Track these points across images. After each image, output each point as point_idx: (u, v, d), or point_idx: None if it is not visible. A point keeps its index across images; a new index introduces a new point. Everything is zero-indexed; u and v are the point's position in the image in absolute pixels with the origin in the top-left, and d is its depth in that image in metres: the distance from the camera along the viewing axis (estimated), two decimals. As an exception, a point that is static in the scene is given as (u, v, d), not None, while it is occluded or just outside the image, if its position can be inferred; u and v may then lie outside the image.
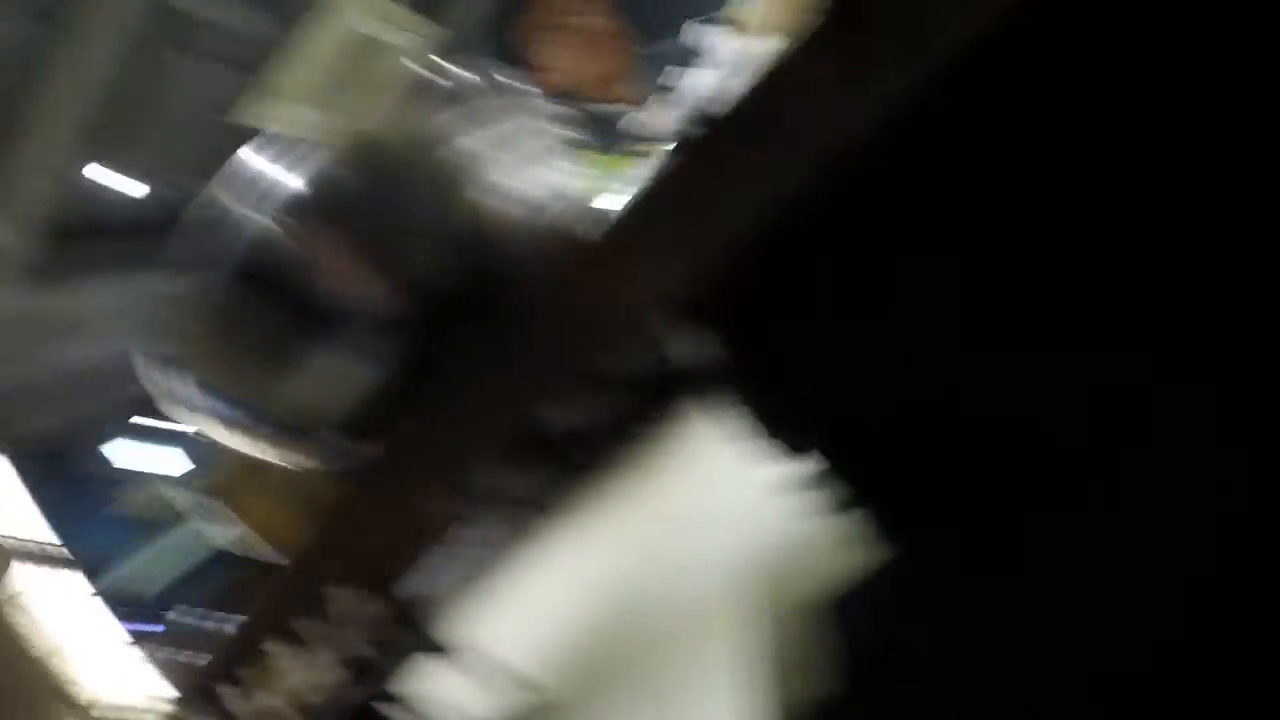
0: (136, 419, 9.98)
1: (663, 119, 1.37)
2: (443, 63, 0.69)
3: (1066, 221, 0.71)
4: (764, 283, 0.75)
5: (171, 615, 8.98)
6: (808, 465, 0.90)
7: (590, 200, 0.72)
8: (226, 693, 0.83)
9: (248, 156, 0.66)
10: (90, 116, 6.40)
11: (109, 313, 7.67)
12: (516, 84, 0.75)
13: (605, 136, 1.42)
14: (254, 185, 0.63)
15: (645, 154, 1.34)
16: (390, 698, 2.14)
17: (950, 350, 0.78)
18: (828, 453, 0.88)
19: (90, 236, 7.53)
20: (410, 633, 2.28)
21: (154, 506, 10.67)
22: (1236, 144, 0.67)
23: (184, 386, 0.69)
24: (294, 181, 0.63)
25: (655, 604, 1.99)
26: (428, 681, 2.26)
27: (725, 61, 1.33)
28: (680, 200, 0.59)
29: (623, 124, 1.48)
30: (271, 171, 0.63)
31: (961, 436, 0.80)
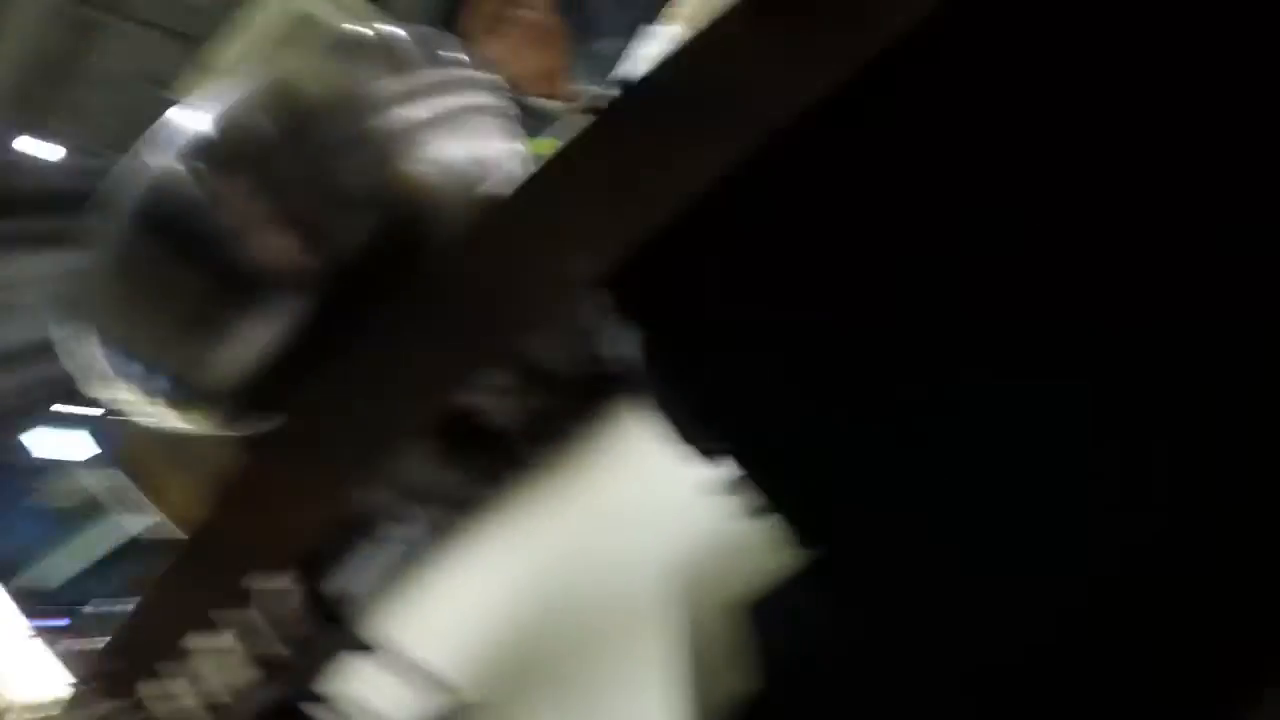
0: (57, 406, 9.65)
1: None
2: (384, 27, 0.67)
3: (994, 221, 0.73)
4: (680, 272, 0.75)
5: (88, 608, 8.69)
6: (726, 467, 0.90)
7: (512, 174, 0.71)
8: (141, 687, 0.80)
9: (176, 117, 0.63)
10: (14, 85, 6.17)
11: (30, 290, 7.39)
12: (460, 58, 0.73)
13: (542, 131, 1.42)
14: (173, 140, 0.61)
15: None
16: (311, 696, 2.10)
17: (872, 350, 0.78)
18: (744, 455, 0.88)
19: (11, 211, 7.24)
20: (332, 629, 2.24)
21: (74, 496, 10.32)
22: (1164, 146, 0.69)
23: (97, 354, 0.66)
24: (204, 124, 0.60)
25: (582, 602, 1.98)
26: (350, 680, 2.22)
27: (660, 46, 1.34)
28: (598, 178, 0.58)
29: (559, 118, 1.48)
30: (193, 122, 0.60)
31: (878, 442, 0.80)
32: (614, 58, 1.52)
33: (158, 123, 0.59)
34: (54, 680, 5.35)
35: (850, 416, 0.80)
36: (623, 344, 0.89)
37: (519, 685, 1.94)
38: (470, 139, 0.71)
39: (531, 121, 1.37)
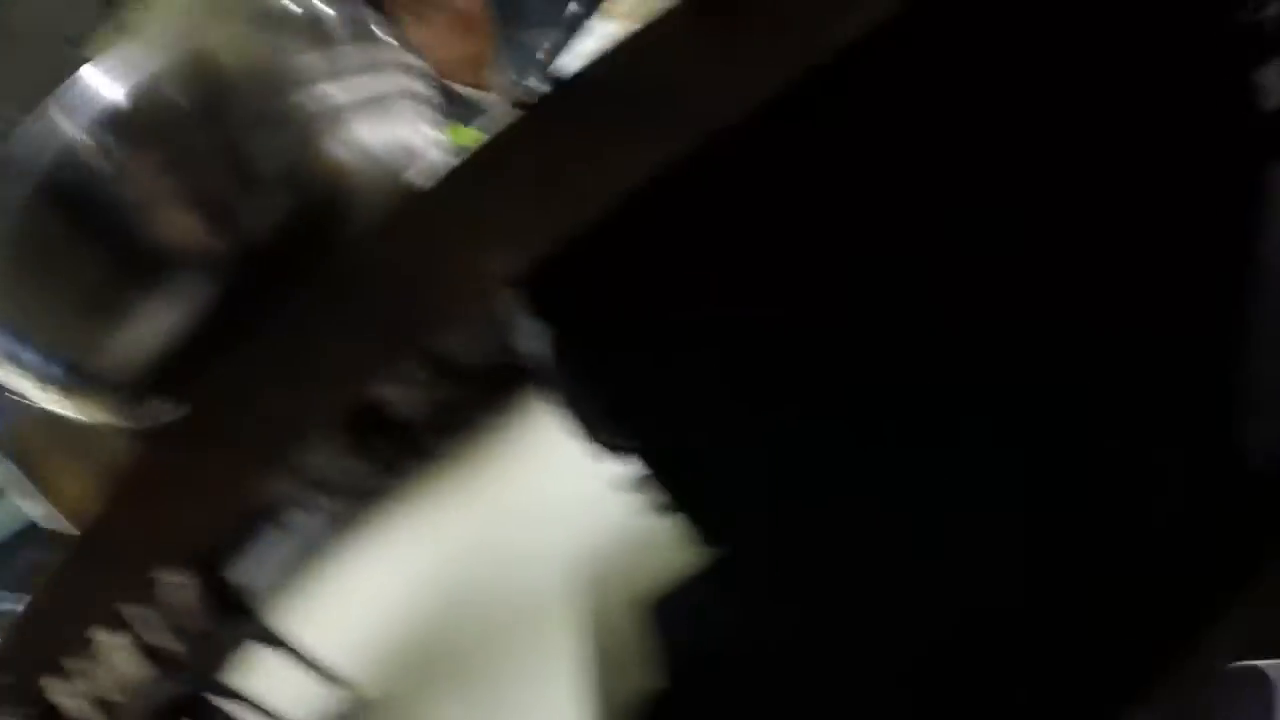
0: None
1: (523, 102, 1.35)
2: (311, 1, 0.65)
3: (923, 233, 0.74)
4: (592, 270, 0.75)
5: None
6: (632, 464, 0.90)
7: (434, 163, 0.69)
8: (43, 683, 0.75)
9: (87, 78, 0.59)
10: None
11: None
12: (387, 39, 0.71)
13: (465, 118, 1.40)
14: (82, 103, 0.57)
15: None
16: (212, 689, 2.03)
17: (782, 354, 0.79)
18: (650, 453, 0.88)
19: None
20: (231, 621, 2.17)
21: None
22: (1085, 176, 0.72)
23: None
24: (115, 93, 0.57)
25: (486, 596, 1.97)
26: (251, 674, 2.15)
27: (597, 44, 1.33)
28: (525, 172, 0.57)
29: (483, 106, 1.45)
30: (103, 88, 0.57)
31: (783, 443, 0.81)
32: (541, 49, 1.51)
33: (66, 83, 0.55)
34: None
35: (757, 418, 0.81)
36: (532, 338, 0.89)
37: (422, 680, 1.91)
38: (394, 124, 0.69)
39: (454, 110, 1.35)
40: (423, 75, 0.77)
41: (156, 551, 0.64)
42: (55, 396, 0.62)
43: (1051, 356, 0.75)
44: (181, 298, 0.57)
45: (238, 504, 0.63)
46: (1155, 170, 0.73)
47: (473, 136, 1.20)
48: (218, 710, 1.96)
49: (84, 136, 0.54)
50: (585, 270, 0.74)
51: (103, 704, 1.61)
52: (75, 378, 0.60)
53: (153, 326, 0.57)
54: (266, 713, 2.02)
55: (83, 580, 0.66)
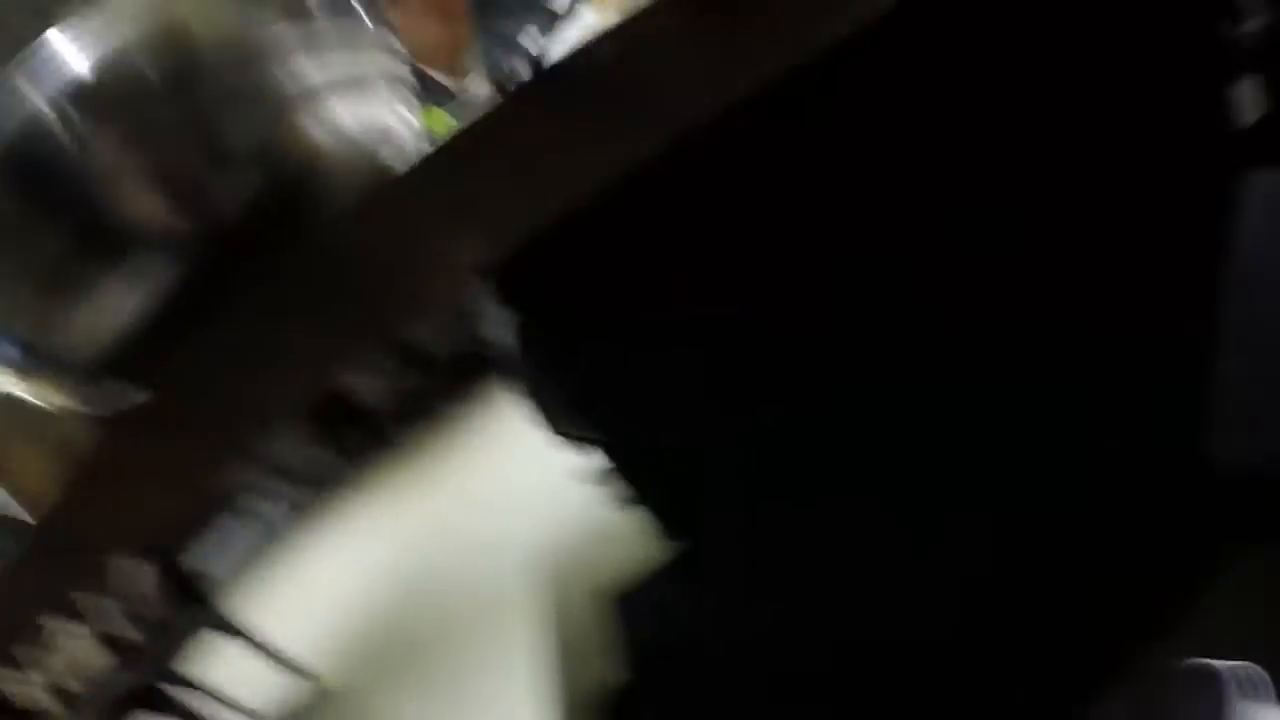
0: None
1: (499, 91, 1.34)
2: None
3: (894, 235, 0.74)
4: (564, 263, 0.74)
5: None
6: (597, 457, 0.90)
7: (408, 146, 0.68)
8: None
9: (55, 44, 0.57)
10: None
11: None
12: (364, 19, 0.69)
13: (440, 104, 1.38)
14: (47, 72, 0.55)
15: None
16: (170, 679, 2.00)
17: (749, 352, 0.79)
18: (615, 448, 0.88)
19: None
20: (190, 610, 2.13)
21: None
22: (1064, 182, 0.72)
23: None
24: (81, 63, 0.55)
25: (448, 586, 1.95)
26: (211, 665, 2.12)
27: (580, 34, 1.32)
28: (501, 161, 0.56)
29: (458, 93, 1.44)
30: (70, 57, 0.55)
31: (746, 441, 0.81)
32: (524, 35, 1.49)
33: (31, 51, 0.53)
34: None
35: (725, 414, 0.81)
36: (499, 327, 0.88)
37: (382, 670, 1.90)
38: (370, 105, 0.68)
39: (429, 95, 1.33)
40: (397, 57, 0.75)
41: (115, 539, 0.63)
42: (11, 379, 0.60)
43: (1022, 361, 0.75)
44: (145, 277, 0.55)
45: (199, 491, 0.62)
46: (1132, 179, 0.73)
47: (446, 122, 1.19)
48: (175, 701, 1.93)
49: (48, 107, 0.52)
50: (556, 260, 0.73)
51: (61, 693, 1.58)
52: (32, 359, 0.58)
53: (114, 307, 0.56)
54: (225, 703, 1.99)
55: (40, 568, 0.64)
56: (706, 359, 0.78)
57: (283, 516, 2.99)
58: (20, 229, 0.53)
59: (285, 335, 0.55)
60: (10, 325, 0.57)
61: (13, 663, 0.68)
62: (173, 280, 0.54)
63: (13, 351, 0.59)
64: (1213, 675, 0.82)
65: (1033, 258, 0.74)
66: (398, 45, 0.74)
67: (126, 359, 0.57)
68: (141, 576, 1.91)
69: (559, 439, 0.94)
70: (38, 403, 0.65)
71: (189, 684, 1.99)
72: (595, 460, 0.90)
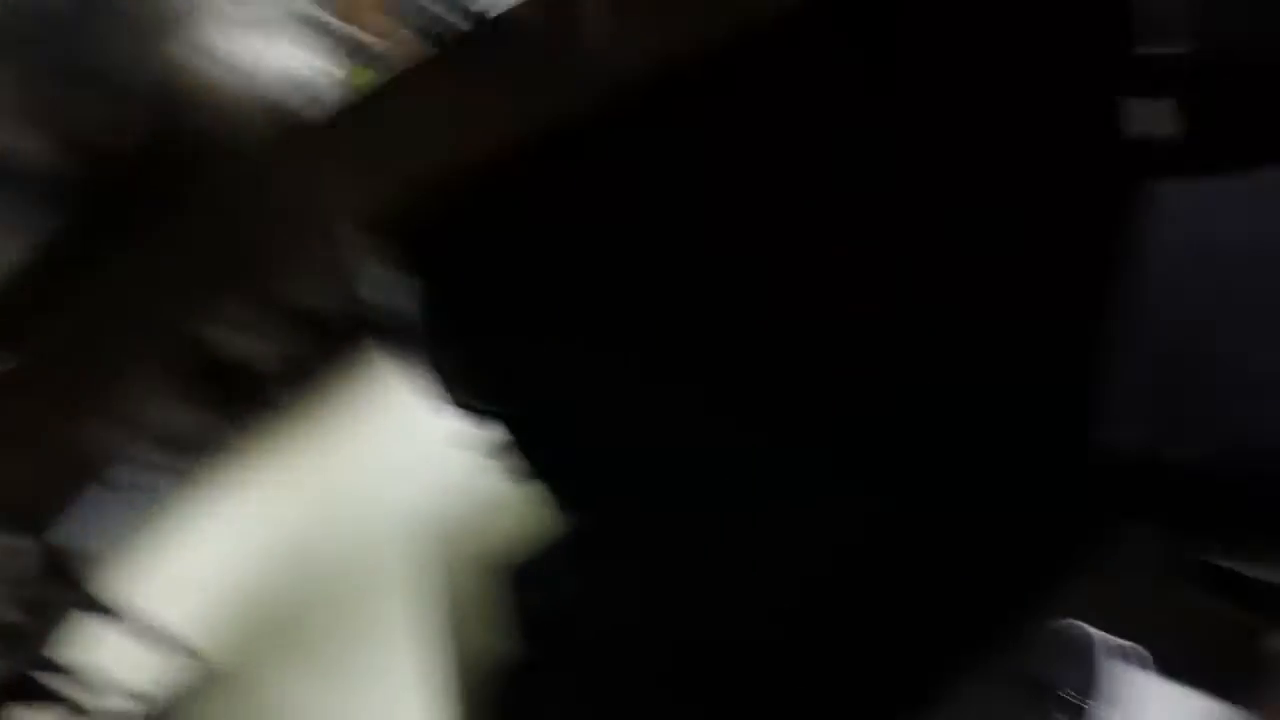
0: None
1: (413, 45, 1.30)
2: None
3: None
4: (474, 230, 0.73)
5: None
6: (490, 425, 0.89)
7: (320, 96, 0.65)
8: None
9: None
10: None
11: None
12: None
13: (358, 58, 1.34)
14: None
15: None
16: (46, 665, 1.89)
17: (657, 334, 0.79)
18: (512, 421, 0.87)
19: None
20: (65, 589, 2.03)
21: None
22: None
23: None
24: None
25: (335, 557, 1.91)
26: (85, 648, 2.02)
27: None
28: (411, 116, 0.54)
29: (385, 50, 1.39)
30: None
31: (642, 421, 0.81)
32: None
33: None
34: None
35: (624, 395, 0.81)
36: (395, 291, 0.86)
37: (270, 646, 1.85)
38: (282, 51, 0.65)
39: (354, 52, 1.29)
40: (326, 9, 0.72)
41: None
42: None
43: (917, 350, 0.77)
44: (12, 223, 0.52)
45: (65, 458, 0.58)
46: (1028, 178, 0.76)
47: (365, 76, 1.15)
48: (51, 690, 1.84)
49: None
50: (462, 229, 0.72)
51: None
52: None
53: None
54: (106, 689, 1.91)
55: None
56: (607, 338, 0.78)
57: (163, 487, 2.87)
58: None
59: (159, 290, 0.52)
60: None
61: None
62: (43, 228, 0.51)
63: None
64: (1086, 638, 0.87)
65: (924, 249, 0.76)
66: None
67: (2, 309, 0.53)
68: (15, 553, 1.81)
69: (453, 409, 0.93)
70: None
71: (64, 670, 1.89)
72: (491, 432, 0.89)
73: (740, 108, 0.70)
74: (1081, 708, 0.84)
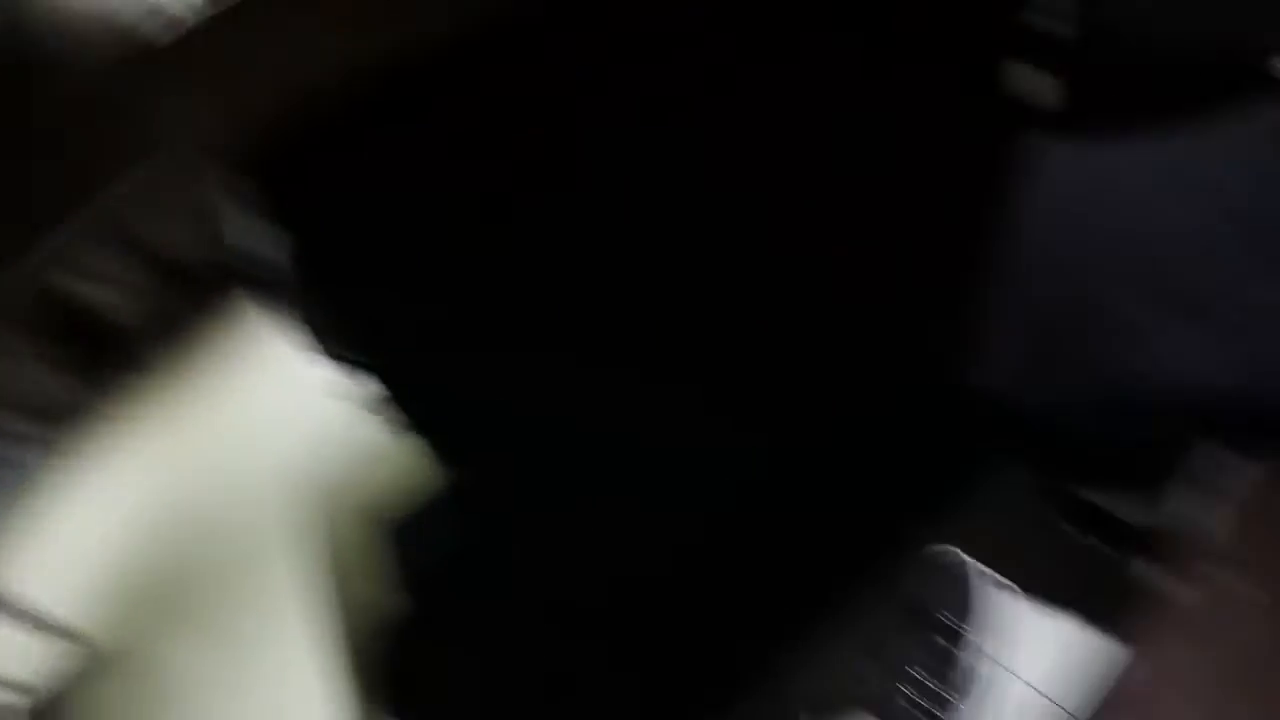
0: None
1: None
2: None
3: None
4: (344, 180, 0.71)
5: None
6: (365, 376, 0.87)
7: (171, 19, 0.62)
8: None
9: None
10: None
11: None
12: None
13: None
14: None
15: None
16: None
17: (532, 284, 0.78)
18: (389, 374, 0.86)
19: None
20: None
21: None
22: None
23: None
24: None
25: (214, 523, 1.85)
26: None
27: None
28: (244, 41, 0.52)
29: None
30: None
31: (520, 373, 0.81)
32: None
33: None
34: None
35: (500, 346, 0.80)
36: (266, 241, 0.83)
37: (157, 621, 1.78)
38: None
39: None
40: None
41: None
42: None
43: (794, 287, 0.78)
44: None
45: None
46: (909, 123, 0.78)
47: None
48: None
49: None
50: (330, 178, 0.70)
51: None
52: None
53: None
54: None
55: None
56: (480, 289, 0.77)
57: (30, 461, 2.73)
58: None
59: (8, 242, 0.49)
60: None
61: None
62: None
63: None
64: (960, 562, 0.91)
65: (804, 188, 0.77)
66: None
67: None
68: None
69: (327, 361, 0.90)
70: None
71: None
72: (367, 384, 0.87)
73: (584, 54, 0.70)
74: (958, 631, 0.87)
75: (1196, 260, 0.73)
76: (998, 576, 0.90)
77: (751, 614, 0.83)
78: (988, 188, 0.77)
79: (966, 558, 0.90)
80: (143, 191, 0.53)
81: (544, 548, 0.84)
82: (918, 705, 0.84)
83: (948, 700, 0.85)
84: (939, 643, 0.87)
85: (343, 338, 0.86)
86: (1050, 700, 0.86)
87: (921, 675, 0.85)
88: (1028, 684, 0.88)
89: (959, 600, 0.88)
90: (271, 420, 1.83)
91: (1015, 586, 0.90)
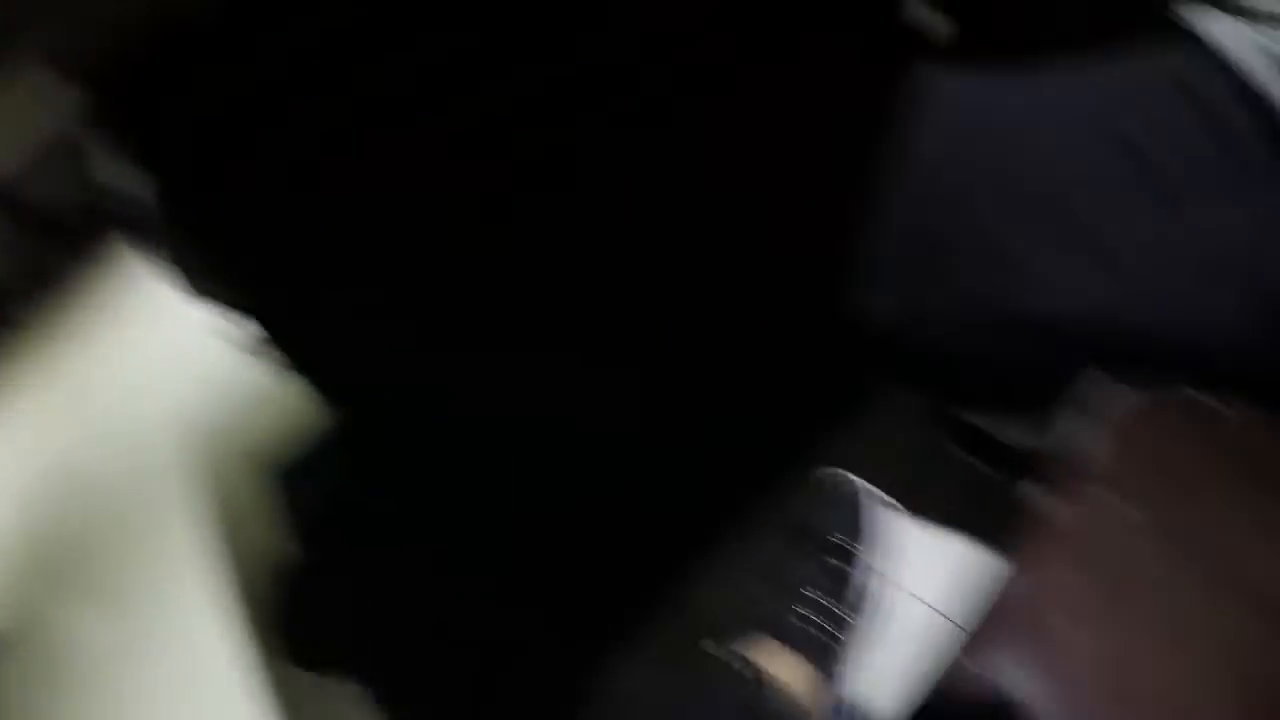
0: None
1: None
2: None
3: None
4: (213, 115, 0.68)
5: None
6: (245, 318, 0.84)
7: None
8: None
9: None
10: None
11: None
12: None
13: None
14: None
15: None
16: None
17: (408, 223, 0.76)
18: (268, 315, 0.83)
19: None
20: None
21: None
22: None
23: None
24: None
25: (103, 481, 1.78)
26: None
27: None
28: None
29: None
30: None
31: (399, 311, 0.79)
32: None
33: None
34: None
35: (376, 281, 0.78)
36: (135, 179, 0.79)
37: (52, 593, 1.72)
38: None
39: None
40: None
41: None
42: None
43: (672, 210, 0.78)
44: None
45: None
46: (793, 50, 0.77)
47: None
48: None
49: None
50: (196, 117, 0.67)
51: None
52: None
53: None
54: None
55: None
56: (355, 224, 0.75)
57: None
58: None
59: None
60: None
61: None
62: None
63: None
64: (851, 487, 0.93)
65: (685, 115, 0.76)
66: None
67: None
68: None
69: (205, 303, 0.87)
70: None
71: None
72: (248, 325, 0.84)
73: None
74: (850, 551, 0.90)
75: (1084, 193, 0.74)
76: (886, 497, 0.92)
77: (643, 545, 0.84)
78: (875, 117, 0.78)
79: (856, 479, 0.92)
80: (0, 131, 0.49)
81: (432, 485, 0.83)
82: (813, 624, 0.86)
83: (842, 618, 0.88)
84: (832, 563, 0.89)
85: (218, 279, 0.83)
86: (940, 614, 0.89)
87: (816, 596, 0.87)
88: (918, 599, 0.91)
89: (850, 521, 0.90)
90: (155, 370, 1.76)
91: (903, 507, 0.93)
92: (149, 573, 1.46)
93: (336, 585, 0.91)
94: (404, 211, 0.71)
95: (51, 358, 2.21)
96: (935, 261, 0.78)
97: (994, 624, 0.79)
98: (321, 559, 0.92)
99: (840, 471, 0.92)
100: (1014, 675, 0.74)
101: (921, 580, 0.92)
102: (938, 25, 0.87)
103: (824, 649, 0.85)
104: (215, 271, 0.81)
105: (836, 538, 0.89)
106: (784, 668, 0.81)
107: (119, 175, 0.78)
